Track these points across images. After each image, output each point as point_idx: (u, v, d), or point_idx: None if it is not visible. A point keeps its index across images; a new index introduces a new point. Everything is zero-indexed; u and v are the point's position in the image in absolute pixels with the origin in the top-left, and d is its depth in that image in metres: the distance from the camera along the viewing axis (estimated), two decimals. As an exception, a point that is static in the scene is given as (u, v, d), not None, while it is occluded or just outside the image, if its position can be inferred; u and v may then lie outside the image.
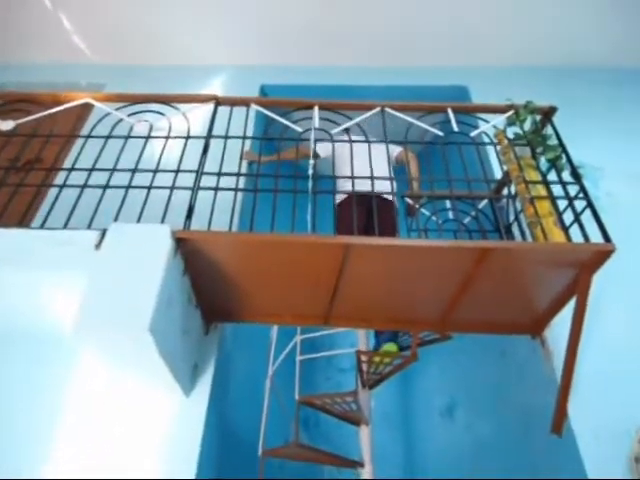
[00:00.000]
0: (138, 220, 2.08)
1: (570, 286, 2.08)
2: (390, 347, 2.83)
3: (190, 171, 2.27)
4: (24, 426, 2.18)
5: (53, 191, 2.36)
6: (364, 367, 2.87)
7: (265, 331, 3.34)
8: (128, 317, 1.65)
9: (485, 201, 2.88)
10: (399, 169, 3.31)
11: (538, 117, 2.51)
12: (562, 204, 2.14)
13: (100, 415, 2.21)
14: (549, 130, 2.48)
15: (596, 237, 1.94)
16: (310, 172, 2.24)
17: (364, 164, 2.29)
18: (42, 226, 2.15)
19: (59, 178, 2.53)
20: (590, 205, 2.06)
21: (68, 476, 2.04)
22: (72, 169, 2.38)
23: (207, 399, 2.22)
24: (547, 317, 2.29)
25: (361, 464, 2.83)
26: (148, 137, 2.50)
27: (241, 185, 2.31)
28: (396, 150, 3.31)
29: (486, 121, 2.54)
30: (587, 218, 2.04)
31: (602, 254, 1.88)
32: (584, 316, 1.99)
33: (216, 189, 2.21)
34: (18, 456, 2.11)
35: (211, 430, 2.23)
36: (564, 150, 2.32)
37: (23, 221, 2.20)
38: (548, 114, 2.50)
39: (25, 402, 2.24)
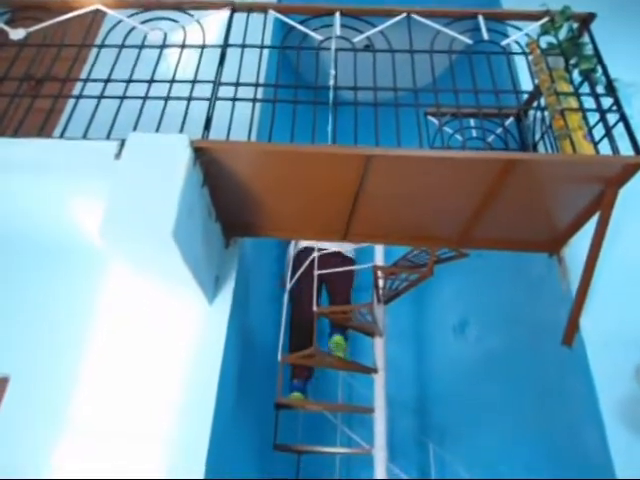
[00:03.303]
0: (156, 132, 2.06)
1: (594, 202, 2.05)
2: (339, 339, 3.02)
3: (207, 81, 2.21)
4: (58, 333, 2.31)
5: (69, 106, 2.34)
6: (380, 282, 2.94)
7: (283, 246, 3.40)
8: (152, 223, 1.69)
9: (511, 119, 2.78)
10: None
11: (575, 25, 2.35)
12: (592, 120, 2.07)
13: (127, 323, 2.32)
14: (585, 39, 2.34)
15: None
16: (331, 83, 2.16)
17: None
18: (61, 136, 2.17)
19: (75, 91, 2.48)
20: (623, 118, 1.99)
21: (95, 380, 2.19)
22: (87, 80, 2.34)
23: (229, 308, 2.30)
24: (567, 235, 2.28)
25: (375, 370, 2.97)
26: (163, 46, 2.41)
27: (259, 96, 2.26)
28: None
29: (518, 29, 2.39)
30: (618, 135, 1.97)
31: (632, 167, 1.83)
32: (606, 232, 1.98)
33: (234, 99, 2.16)
34: (53, 358, 2.26)
35: (233, 337, 2.34)
36: (600, 61, 2.19)
37: (41, 133, 2.20)
38: (586, 21, 2.33)
39: (53, 313, 2.35)
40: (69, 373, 2.21)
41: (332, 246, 3.25)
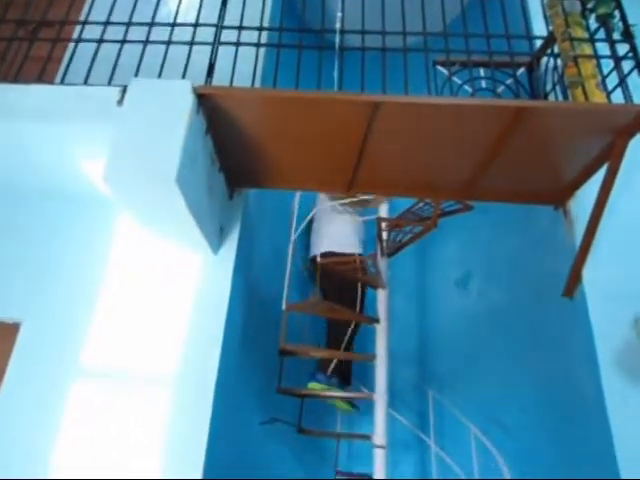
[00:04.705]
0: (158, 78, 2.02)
1: (602, 153, 2.02)
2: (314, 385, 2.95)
3: (209, 25, 2.15)
4: (67, 280, 2.36)
5: (68, 53, 2.29)
6: (384, 235, 2.94)
7: (288, 199, 3.38)
8: (155, 169, 1.68)
9: (522, 69, 2.69)
10: None
11: (593, -35, 2.24)
12: (606, 70, 2.01)
13: (134, 271, 2.36)
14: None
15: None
16: (337, 26, 2.09)
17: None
18: (62, 83, 2.13)
19: (73, 36, 2.41)
20: (639, 66, 1.92)
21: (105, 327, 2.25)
22: (86, 22, 2.28)
23: (234, 257, 2.33)
24: (573, 186, 2.26)
25: (377, 320, 3.02)
26: (163, -13, 2.33)
27: (263, 42, 2.19)
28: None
29: (534, -31, 2.28)
30: (633, 86, 1.91)
31: (644, 116, 1.78)
32: (613, 184, 1.96)
33: (237, 44, 2.10)
34: (62, 305, 2.31)
35: (238, 285, 2.38)
36: (618, 4, 2.10)
37: (41, 80, 2.15)
38: (606, -39, 2.21)
39: (62, 260, 2.39)
40: (78, 319, 2.27)
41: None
